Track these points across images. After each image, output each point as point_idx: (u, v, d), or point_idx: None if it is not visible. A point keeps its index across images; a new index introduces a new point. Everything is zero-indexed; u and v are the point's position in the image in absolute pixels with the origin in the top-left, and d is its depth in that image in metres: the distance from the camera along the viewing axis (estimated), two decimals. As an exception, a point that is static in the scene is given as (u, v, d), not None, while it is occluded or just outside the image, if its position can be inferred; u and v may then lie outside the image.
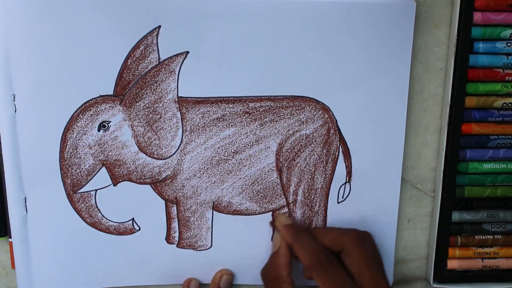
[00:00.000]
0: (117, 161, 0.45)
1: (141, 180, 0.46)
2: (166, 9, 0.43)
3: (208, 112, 0.45)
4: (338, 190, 0.47)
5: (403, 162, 0.47)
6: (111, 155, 0.45)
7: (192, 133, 0.45)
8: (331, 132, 0.46)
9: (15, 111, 0.44)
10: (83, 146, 0.45)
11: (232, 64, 0.44)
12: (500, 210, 0.48)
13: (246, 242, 0.48)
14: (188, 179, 0.46)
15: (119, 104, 0.44)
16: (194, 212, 0.47)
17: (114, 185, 0.46)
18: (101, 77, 0.43)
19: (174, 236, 0.47)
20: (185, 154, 0.45)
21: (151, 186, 0.46)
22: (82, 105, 0.44)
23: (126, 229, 0.47)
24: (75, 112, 0.44)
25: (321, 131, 0.46)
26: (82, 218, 0.46)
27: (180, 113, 0.45)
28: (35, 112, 0.44)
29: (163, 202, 0.46)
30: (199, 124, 0.45)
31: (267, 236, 0.48)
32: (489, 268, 0.49)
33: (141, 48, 0.43)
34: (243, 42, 0.43)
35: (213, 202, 0.47)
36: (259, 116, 0.45)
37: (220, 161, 0.46)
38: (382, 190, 0.47)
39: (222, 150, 0.46)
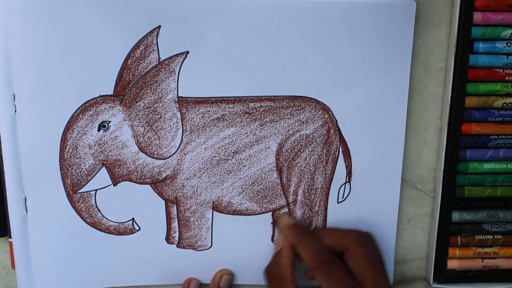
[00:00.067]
0: (117, 161, 0.45)
1: (141, 180, 0.46)
2: (166, 9, 0.43)
3: (208, 112, 0.45)
4: (338, 190, 0.47)
5: (403, 162, 0.47)
6: (111, 155, 0.45)
7: (192, 133, 0.45)
8: (331, 132, 0.46)
9: (15, 111, 0.44)
10: (83, 146, 0.45)
11: (232, 64, 0.44)
12: (500, 210, 0.48)
13: (246, 242, 0.48)
14: (188, 179, 0.46)
15: (119, 104, 0.44)
16: (194, 212, 0.47)
17: (114, 185, 0.46)
18: (101, 77, 0.43)
19: (174, 236, 0.47)
20: (185, 154, 0.45)
21: (151, 186, 0.46)
22: (82, 105, 0.44)
23: (126, 229, 0.47)
24: (75, 112, 0.44)
25: (321, 131, 0.46)
26: (82, 218, 0.46)
27: (180, 113, 0.45)
28: (35, 112, 0.44)
29: (163, 202, 0.46)
30: (199, 124, 0.45)
31: (267, 236, 0.48)
32: (489, 268, 0.49)
33: (141, 48, 0.43)
34: (243, 42, 0.43)
35: (213, 202, 0.47)
36: (259, 116, 0.45)
37: (220, 161, 0.46)
38: (382, 190, 0.47)
39: (222, 150, 0.46)
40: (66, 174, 0.45)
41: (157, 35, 0.43)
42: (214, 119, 0.45)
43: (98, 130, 0.44)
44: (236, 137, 0.45)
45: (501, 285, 0.49)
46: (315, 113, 0.45)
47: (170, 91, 0.44)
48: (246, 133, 0.45)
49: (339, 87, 0.45)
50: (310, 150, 0.46)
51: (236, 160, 0.46)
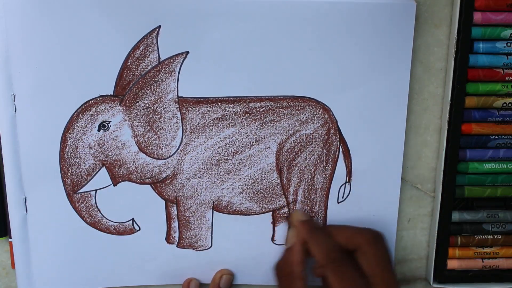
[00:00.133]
0: (117, 161, 0.45)
1: (141, 180, 0.46)
2: (166, 9, 0.43)
3: (208, 112, 0.45)
4: (338, 190, 0.47)
5: (403, 162, 0.47)
6: (111, 155, 0.45)
7: (192, 133, 0.45)
8: (331, 132, 0.46)
9: (15, 111, 0.44)
10: (83, 146, 0.45)
11: (232, 64, 0.44)
12: (500, 210, 0.48)
13: (246, 242, 0.48)
14: (188, 179, 0.46)
15: (119, 104, 0.44)
16: (194, 212, 0.47)
17: (114, 185, 0.46)
18: (101, 77, 0.43)
19: (174, 236, 0.47)
20: (185, 154, 0.45)
21: (151, 186, 0.46)
22: (82, 105, 0.44)
23: (126, 229, 0.47)
24: (75, 112, 0.44)
25: (321, 131, 0.46)
26: (82, 218, 0.46)
27: (180, 113, 0.45)
28: (35, 112, 0.44)
29: (163, 202, 0.46)
30: (199, 124, 0.45)
31: (267, 236, 0.48)
32: (489, 268, 0.49)
33: (141, 48, 0.43)
34: (243, 42, 0.43)
35: (213, 202, 0.47)
36: (259, 116, 0.45)
37: (220, 161, 0.46)
38: (382, 190, 0.47)
39: (222, 150, 0.46)
40: (66, 174, 0.45)
41: (157, 35, 0.43)
42: (214, 119, 0.45)
43: (98, 130, 0.44)
44: (236, 137, 0.45)
45: (501, 285, 0.49)
46: (315, 113, 0.45)
47: (170, 91, 0.44)
48: (246, 133, 0.45)
49: (339, 87, 0.45)
50: (310, 150, 0.46)
51: (236, 160, 0.46)
